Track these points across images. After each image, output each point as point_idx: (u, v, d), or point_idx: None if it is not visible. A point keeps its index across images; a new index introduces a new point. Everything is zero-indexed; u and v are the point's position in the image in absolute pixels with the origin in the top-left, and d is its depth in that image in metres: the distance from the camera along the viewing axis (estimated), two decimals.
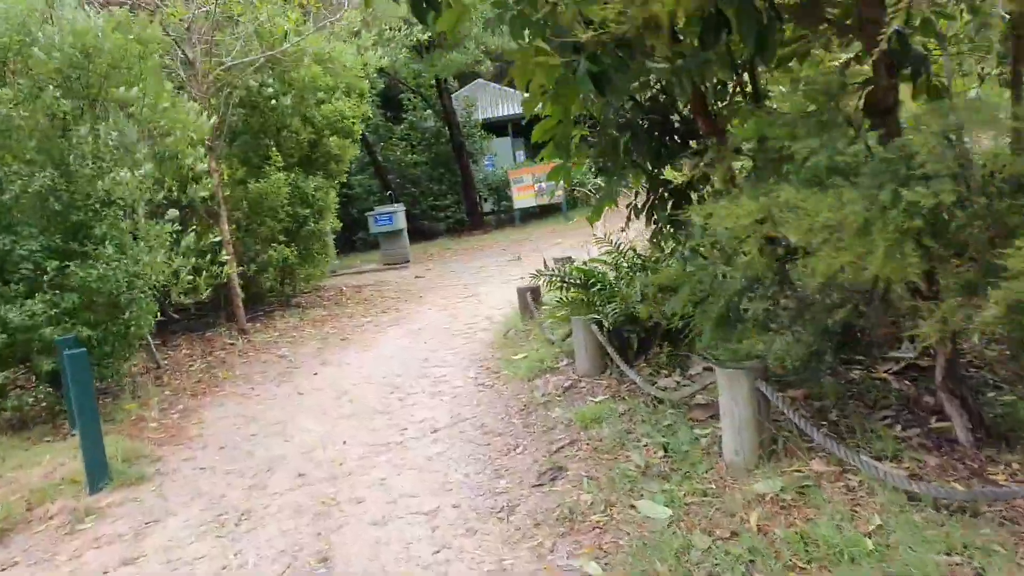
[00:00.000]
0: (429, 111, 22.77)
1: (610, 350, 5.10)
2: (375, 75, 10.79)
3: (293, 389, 6.53)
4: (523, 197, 21.30)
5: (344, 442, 5.20)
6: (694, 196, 4.86)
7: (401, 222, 16.28)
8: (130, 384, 6.59)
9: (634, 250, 5.72)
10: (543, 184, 21.29)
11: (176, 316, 8.13)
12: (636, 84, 4.54)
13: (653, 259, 5.28)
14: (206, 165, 7.56)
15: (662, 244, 5.11)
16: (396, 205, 16.67)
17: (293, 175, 9.55)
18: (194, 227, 8.00)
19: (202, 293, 7.26)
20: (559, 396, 5.26)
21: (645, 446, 4.14)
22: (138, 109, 6.38)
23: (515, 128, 27.17)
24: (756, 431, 3.61)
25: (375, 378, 6.70)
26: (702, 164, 4.15)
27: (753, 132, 3.59)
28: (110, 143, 5.94)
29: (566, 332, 6.02)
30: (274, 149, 9.14)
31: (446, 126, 21.67)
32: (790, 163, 3.35)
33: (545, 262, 8.53)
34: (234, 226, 8.81)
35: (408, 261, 16.23)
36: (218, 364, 7.37)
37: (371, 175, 22.02)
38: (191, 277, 7.06)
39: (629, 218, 5.23)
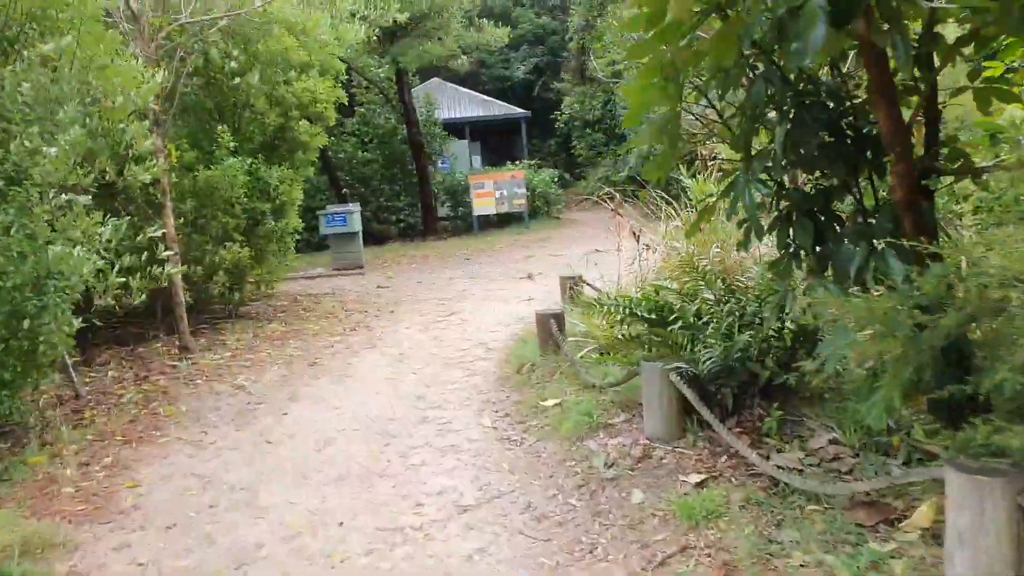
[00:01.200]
0: (385, 106, 21.28)
1: (703, 410, 3.87)
2: (348, 53, 9.35)
3: (259, 435, 5.05)
4: (483, 204, 20.07)
5: (340, 523, 3.81)
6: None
7: (356, 224, 14.78)
8: (37, 423, 4.98)
9: (724, 279, 4.50)
10: (504, 191, 20.14)
11: (99, 324, 6.48)
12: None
13: (768, 292, 4.07)
14: (151, 143, 6.03)
15: (787, 272, 3.89)
16: (351, 205, 15.16)
17: (252, 163, 8.02)
18: (129, 217, 6.48)
19: (136, 298, 5.73)
20: (631, 469, 3.99)
21: (802, 566, 2.92)
22: (67, 62, 4.84)
23: (473, 131, 25.92)
24: (1016, 567, 2.43)
25: (362, 421, 5.30)
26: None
27: None
28: (19, 98, 4.39)
29: (621, 376, 4.77)
30: (226, 131, 7.58)
31: (403, 123, 20.22)
32: None
33: (572, 283, 7.31)
34: (180, 220, 7.23)
35: (362, 267, 14.74)
36: (158, 394, 5.80)
37: (317, 170, 20.34)
38: (122, 279, 5.53)
39: (750, 234, 3.94)
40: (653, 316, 4.35)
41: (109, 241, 5.33)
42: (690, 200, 8.58)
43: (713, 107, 3.72)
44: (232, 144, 7.65)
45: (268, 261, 8.71)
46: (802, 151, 3.19)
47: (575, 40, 27.64)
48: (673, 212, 8.38)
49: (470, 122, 25.71)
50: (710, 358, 3.95)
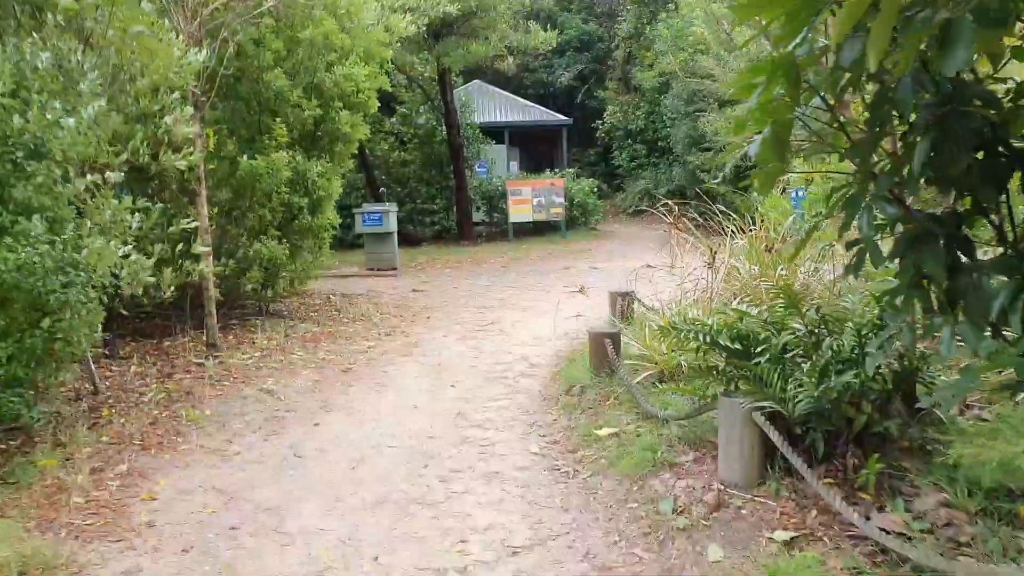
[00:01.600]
0: (426, 106, 20.98)
1: (793, 458, 3.39)
2: (397, 44, 8.96)
3: (288, 447, 4.65)
4: (519, 211, 19.68)
5: (375, 558, 3.38)
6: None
7: (392, 224, 14.45)
8: (51, 420, 4.61)
9: (817, 309, 4.00)
10: (542, 199, 19.72)
11: (125, 313, 6.14)
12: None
13: (872, 326, 3.57)
14: (191, 129, 5.69)
15: (907, 305, 3.39)
16: (388, 204, 14.82)
17: (292, 156, 7.67)
18: (162, 204, 6.16)
19: (166, 291, 5.38)
20: (705, 519, 3.51)
21: None
22: (95, 26, 4.49)
23: (512, 137, 25.55)
24: None
25: (399, 438, 4.87)
26: None
27: None
28: (39, 65, 4.03)
29: (689, 409, 4.30)
30: (277, 121, 7.23)
31: (443, 125, 19.89)
32: None
33: (622, 300, 6.86)
34: (215, 210, 6.88)
35: (396, 268, 14.40)
36: (181, 395, 5.43)
37: (355, 168, 20.08)
38: (153, 271, 5.19)
39: (863, 259, 3.47)
40: (737, 346, 3.87)
41: (139, 229, 5.00)
42: (754, 216, 8.09)
43: (829, 109, 3.24)
44: (285, 139, 7.31)
45: (303, 257, 8.35)
46: (947, 168, 2.70)
47: (621, 48, 27.19)
48: (734, 228, 7.89)
49: (509, 127, 25.32)
50: (803, 398, 3.46)
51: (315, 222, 8.13)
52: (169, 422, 4.86)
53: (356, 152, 8.90)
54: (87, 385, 5.31)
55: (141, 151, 5.44)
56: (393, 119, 21.49)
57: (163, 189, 6.85)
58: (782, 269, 6.92)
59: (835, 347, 3.54)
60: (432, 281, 12.53)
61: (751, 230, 7.55)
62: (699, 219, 8.35)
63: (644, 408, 4.69)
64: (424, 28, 16.43)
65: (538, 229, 19.99)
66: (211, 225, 7.08)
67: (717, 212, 7.95)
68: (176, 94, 5.69)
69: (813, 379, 3.50)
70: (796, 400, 3.52)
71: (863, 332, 3.65)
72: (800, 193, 14.23)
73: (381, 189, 17.39)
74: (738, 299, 6.56)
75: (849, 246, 3.47)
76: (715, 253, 6.46)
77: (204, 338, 6.65)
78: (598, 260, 15.06)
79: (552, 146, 27.67)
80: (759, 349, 3.78)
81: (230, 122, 7.56)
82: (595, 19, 30.78)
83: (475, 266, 15.00)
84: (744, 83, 3.10)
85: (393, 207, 14.66)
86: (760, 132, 3.08)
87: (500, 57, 17.57)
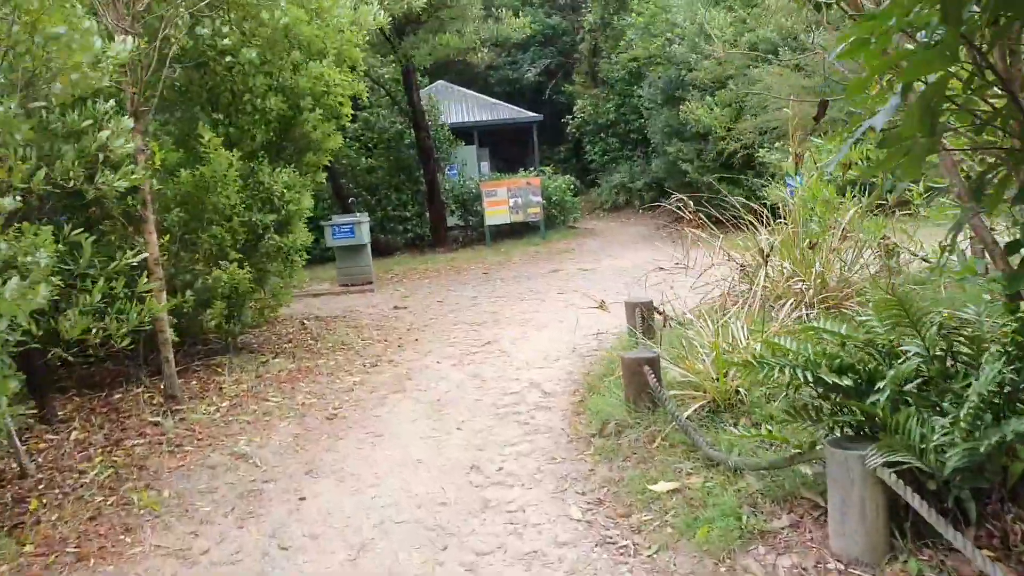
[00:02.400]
0: (391, 109, 19.97)
1: (944, 528, 2.54)
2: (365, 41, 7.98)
3: (269, 536, 3.70)
4: (495, 213, 18.77)
5: None
6: None
7: (364, 235, 13.47)
8: None
9: (940, 327, 3.16)
10: (519, 199, 18.85)
11: (68, 358, 5.10)
12: None
13: None
14: (131, 144, 4.72)
15: None
16: (359, 214, 13.86)
17: (253, 165, 6.69)
18: (105, 236, 5.22)
19: (119, 341, 4.43)
20: None
21: None
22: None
23: (481, 137, 24.64)
24: None
25: (404, 509, 3.95)
26: None
27: None
28: None
29: (771, 457, 3.45)
30: (225, 121, 6.23)
31: (411, 127, 18.90)
32: None
33: (643, 311, 6.01)
34: (166, 237, 5.87)
35: (372, 283, 13.42)
36: (132, 470, 4.43)
37: (321, 177, 19.00)
38: (98, 321, 4.28)
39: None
40: (846, 382, 3.00)
41: (74, 265, 4.04)
42: (774, 208, 7.29)
43: (990, 68, 2.38)
44: (222, 134, 6.32)
45: (272, 283, 7.37)
46: None
47: (587, 40, 26.42)
48: (750, 221, 7.08)
49: (478, 127, 24.40)
50: (956, 451, 2.62)
51: (284, 242, 7.15)
52: (116, 513, 3.87)
53: (328, 163, 7.91)
54: (13, 465, 4.30)
55: (72, 172, 4.49)
56: (357, 124, 20.46)
57: (105, 216, 5.85)
58: (819, 266, 6.16)
59: (991, 379, 2.70)
60: (413, 295, 11.58)
61: (778, 222, 6.75)
62: (694, 212, 7.51)
63: (707, 453, 3.82)
64: (389, 26, 15.49)
65: (515, 231, 19.11)
66: (162, 253, 6.10)
67: (735, 204, 7.13)
68: (111, 103, 4.74)
69: (963, 424, 2.66)
70: (939, 451, 2.68)
71: (1012, 354, 2.83)
72: (799, 179, 13.54)
73: (351, 199, 16.40)
74: (782, 304, 5.76)
75: (1012, 248, 2.64)
76: (766, 255, 5.61)
77: (162, 387, 5.65)
78: (585, 261, 14.22)
79: (522, 144, 26.80)
80: (880, 385, 2.92)
81: (178, 132, 6.56)
82: (558, 12, 29.97)
83: (455, 274, 14.07)
84: (860, 33, 2.23)
85: (365, 217, 13.68)
86: (892, 96, 2.23)
87: (472, 50, 16.60)
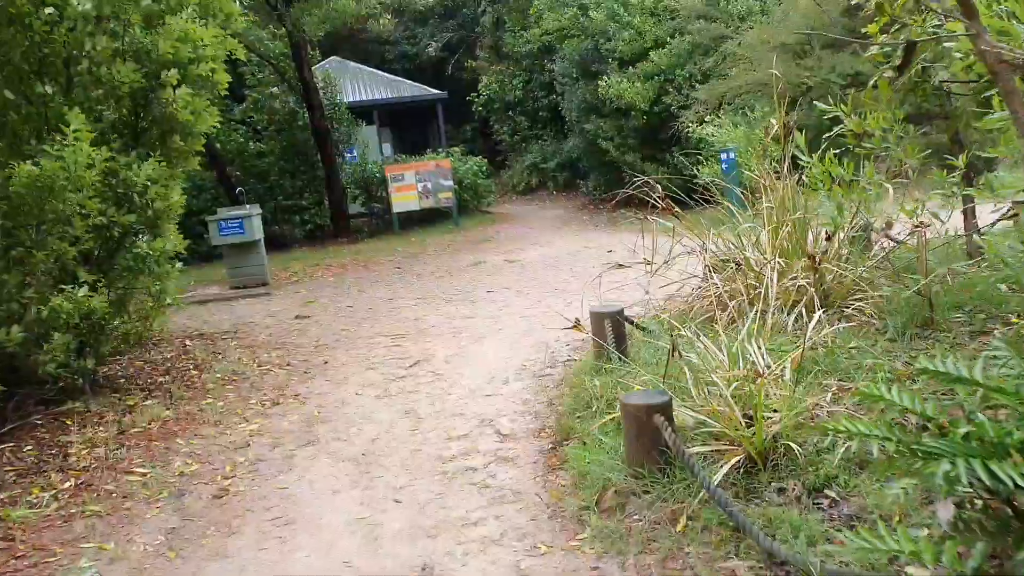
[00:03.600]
0: (281, 87, 18.06)
1: None
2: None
3: None
4: (403, 199, 17.36)
5: None
6: None
7: (256, 230, 11.81)
8: None
9: None
10: (428, 183, 17.46)
11: None
12: None
13: None
14: None
15: None
16: (250, 207, 12.13)
17: (104, 152, 5.09)
18: None
19: None
20: None
21: None
22: None
23: (381, 116, 22.98)
24: None
25: None
26: None
27: None
28: None
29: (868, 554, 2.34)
30: (57, 94, 4.62)
31: (304, 107, 17.11)
32: None
33: (614, 322, 4.87)
34: None
35: (267, 283, 11.80)
36: None
37: (203, 165, 16.95)
38: None
39: None
40: None
41: None
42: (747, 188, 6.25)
43: None
44: (77, 121, 4.71)
45: (138, 301, 5.80)
46: None
47: (489, 13, 25.05)
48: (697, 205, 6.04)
49: (378, 105, 22.72)
50: None
51: (151, 248, 5.57)
52: None
53: (202, 148, 6.34)
54: None
55: None
56: (243, 105, 18.45)
57: None
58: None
59: None
60: (317, 298, 10.07)
61: (758, 208, 5.71)
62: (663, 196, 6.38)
63: (768, 549, 2.68)
64: None
65: (426, 217, 17.70)
66: None
67: (703, 188, 6.06)
68: None
69: None
70: None
71: None
72: (731, 155, 12.75)
73: (238, 189, 14.55)
74: (779, 306, 4.71)
75: None
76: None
77: None
78: (509, 250, 13.01)
79: (426, 124, 25.27)
80: None
81: None
82: None
83: (364, 270, 12.60)
84: None
85: (256, 210, 11.99)
86: None
87: (372, 16, 14.97)
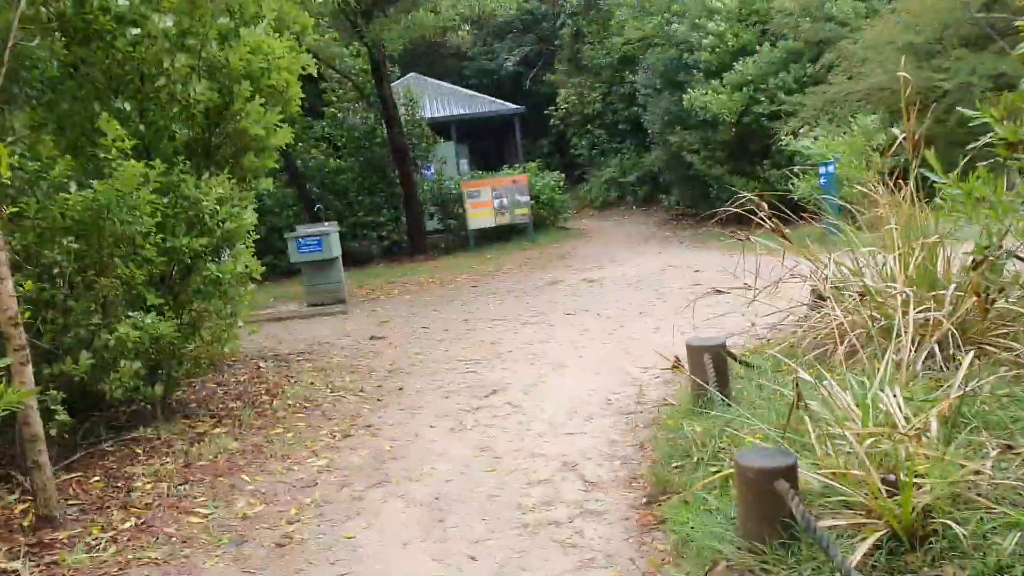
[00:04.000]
0: (360, 103, 18.16)
1: None
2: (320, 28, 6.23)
3: None
4: (479, 215, 17.14)
5: None
6: None
7: (334, 248, 11.72)
8: None
9: None
10: (504, 199, 17.18)
11: None
12: None
13: None
14: None
15: None
16: (327, 224, 12.06)
17: (171, 175, 4.93)
18: None
19: None
20: None
21: None
22: None
23: (459, 132, 22.89)
24: None
25: None
26: None
27: None
28: None
29: None
30: (112, 119, 4.43)
31: (382, 123, 17.12)
32: None
33: (713, 358, 4.38)
34: (27, 282, 4.05)
35: (344, 302, 11.68)
36: None
37: (283, 182, 17.17)
38: None
39: None
40: None
41: None
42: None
43: None
44: (126, 140, 4.53)
45: (211, 324, 5.62)
46: None
47: (568, 25, 24.74)
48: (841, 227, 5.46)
49: (455, 121, 22.66)
50: None
51: (222, 271, 5.39)
52: None
53: (276, 165, 6.17)
54: None
55: None
56: (323, 122, 18.63)
57: None
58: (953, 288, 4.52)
59: None
60: (393, 317, 9.85)
61: (879, 229, 5.11)
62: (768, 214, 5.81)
63: None
64: (350, 10, 13.70)
65: (502, 234, 17.42)
66: (42, 300, 4.35)
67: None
68: None
69: None
70: None
71: None
72: (830, 168, 11.94)
73: (317, 206, 14.57)
74: (899, 342, 4.11)
75: None
76: None
77: (34, 500, 3.88)
78: (586, 268, 12.56)
79: (503, 139, 25.15)
80: None
81: (58, 129, 4.78)
82: None
83: (440, 288, 12.36)
84: None
85: (334, 228, 11.90)
86: None
87: (451, 28, 14.84)
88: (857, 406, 3.27)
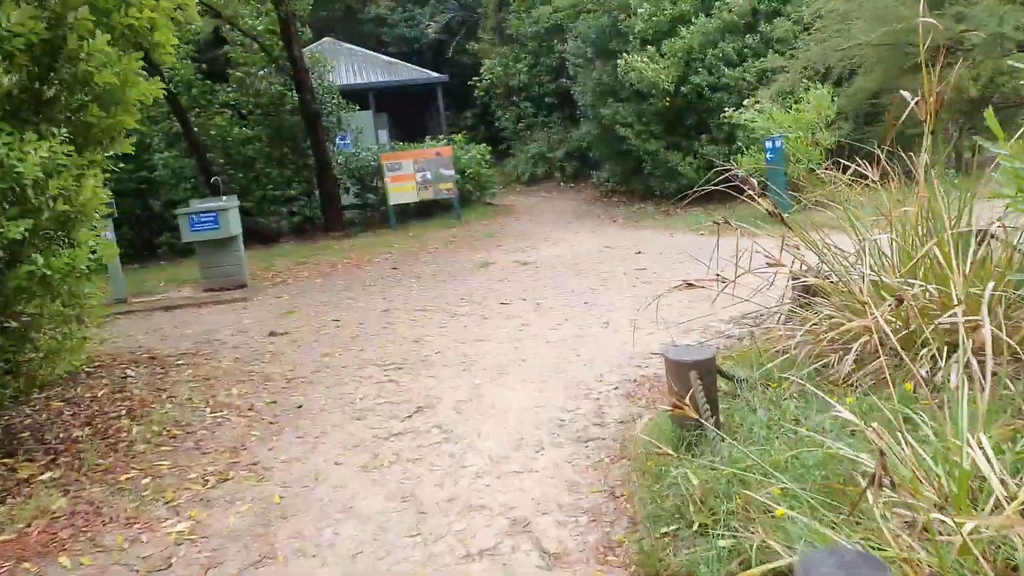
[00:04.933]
0: (268, 67, 16.49)
1: None
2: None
3: None
4: (400, 190, 15.85)
5: None
6: None
7: (233, 225, 10.31)
8: None
9: None
10: (428, 173, 15.93)
11: None
12: None
13: None
14: None
15: None
16: (225, 199, 10.58)
17: None
18: None
19: None
20: None
21: None
22: None
23: (378, 101, 21.38)
24: None
25: None
26: None
27: None
28: None
29: None
30: None
31: (294, 89, 15.54)
32: None
33: (703, 376, 3.36)
34: None
35: (245, 286, 10.33)
36: None
37: (182, 153, 15.42)
38: None
39: None
40: None
41: None
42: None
43: None
44: None
45: (39, 339, 4.29)
46: None
47: None
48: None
49: (374, 89, 21.13)
50: None
51: (55, 264, 4.06)
52: None
53: (138, 125, 4.82)
54: None
55: None
56: (228, 86, 16.87)
57: None
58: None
59: None
60: (300, 307, 8.56)
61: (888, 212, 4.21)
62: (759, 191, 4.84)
63: None
64: None
65: (425, 210, 16.23)
66: None
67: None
68: None
69: None
70: None
71: None
72: (777, 143, 11.21)
73: (214, 178, 13.00)
74: (928, 352, 3.23)
75: None
76: None
77: None
78: (518, 248, 11.52)
79: (425, 110, 23.74)
80: None
81: None
82: None
83: (356, 270, 11.11)
84: None
85: (233, 202, 10.45)
86: None
87: None
88: (936, 464, 2.32)
